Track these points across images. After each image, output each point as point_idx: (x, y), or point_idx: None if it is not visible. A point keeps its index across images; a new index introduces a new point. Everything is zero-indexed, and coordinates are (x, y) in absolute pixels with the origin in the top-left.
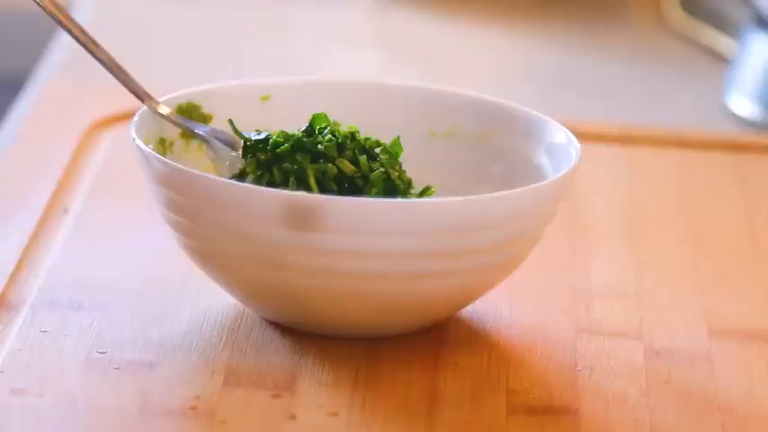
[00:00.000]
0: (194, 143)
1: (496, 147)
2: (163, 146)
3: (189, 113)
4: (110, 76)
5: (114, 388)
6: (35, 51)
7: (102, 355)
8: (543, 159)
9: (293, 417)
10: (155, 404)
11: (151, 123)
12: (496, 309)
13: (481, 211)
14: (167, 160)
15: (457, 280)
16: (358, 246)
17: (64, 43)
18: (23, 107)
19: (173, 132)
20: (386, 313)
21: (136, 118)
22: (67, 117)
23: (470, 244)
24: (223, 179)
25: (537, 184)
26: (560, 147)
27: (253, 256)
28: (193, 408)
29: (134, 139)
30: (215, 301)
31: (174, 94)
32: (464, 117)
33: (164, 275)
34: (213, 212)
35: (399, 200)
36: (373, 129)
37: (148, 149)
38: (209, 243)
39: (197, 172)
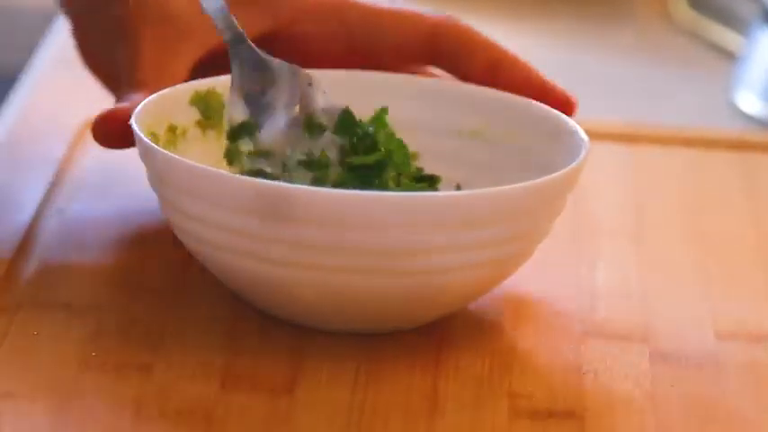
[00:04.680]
0: (211, 132)
1: (519, 146)
2: (173, 133)
3: (207, 102)
4: None
5: (109, 391)
6: (28, 47)
7: (96, 357)
8: (550, 153)
9: (292, 420)
10: (150, 408)
11: (162, 108)
12: (499, 309)
13: (470, 206)
14: (148, 141)
15: (446, 277)
16: (333, 239)
17: (58, 39)
18: (16, 103)
19: (187, 120)
20: (379, 310)
21: (142, 103)
22: (62, 113)
23: (461, 241)
24: (199, 165)
25: (542, 179)
26: (568, 140)
27: (235, 245)
28: (190, 411)
29: (132, 124)
30: (212, 302)
31: (196, 82)
32: (490, 116)
33: (160, 276)
34: (194, 199)
35: (373, 192)
36: (399, 124)
37: (137, 128)
38: (196, 231)
39: (175, 156)
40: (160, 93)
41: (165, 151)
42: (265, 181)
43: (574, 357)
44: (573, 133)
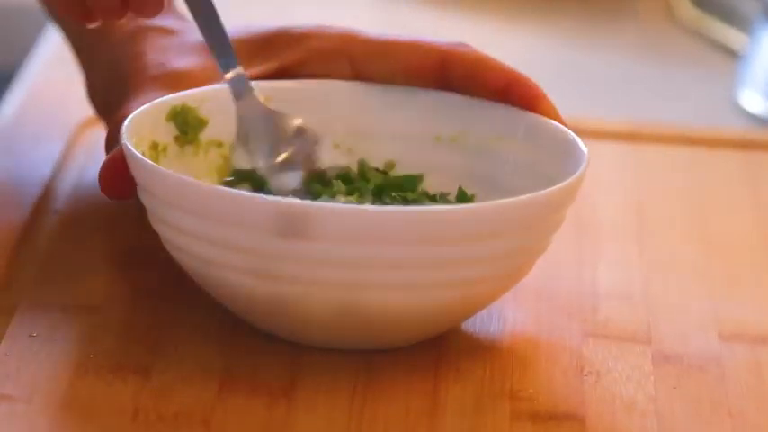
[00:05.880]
0: (189, 148)
1: (501, 153)
2: (155, 150)
3: (184, 117)
4: None
5: (106, 394)
6: (25, 46)
7: (94, 360)
8: (550, 165)
9: (291, 423)
10: (148, 410)
11: (144, 126)
12: (499, 311)
13: (481, 219)
14: (154, 164)
15: (455, 291)
16: (351, 255)
17: (55, 37)
18: (12, 103)
19: (166, 136)
20: (383, 326)
21: (127, 120)
22: (59, 113)
23: (469, 254)
24: (212, 185)
25: (541, 192)
26: (568, 152)
27: (242, 263)
28: (188, 414)
29: (124, 143)
30: (211, 304)
31: (169, 97)
32: (469, 122)
33: (158, 278)
34: (200, 220)
35: (393, 207)
36: (376, 132)
37: (131, 148)
38: (195, 250)
39: (186, 177)
40: (140, 109)
41: (174, 172)
42: (282, 199)
43: (575, 359)
44: (572, 144)
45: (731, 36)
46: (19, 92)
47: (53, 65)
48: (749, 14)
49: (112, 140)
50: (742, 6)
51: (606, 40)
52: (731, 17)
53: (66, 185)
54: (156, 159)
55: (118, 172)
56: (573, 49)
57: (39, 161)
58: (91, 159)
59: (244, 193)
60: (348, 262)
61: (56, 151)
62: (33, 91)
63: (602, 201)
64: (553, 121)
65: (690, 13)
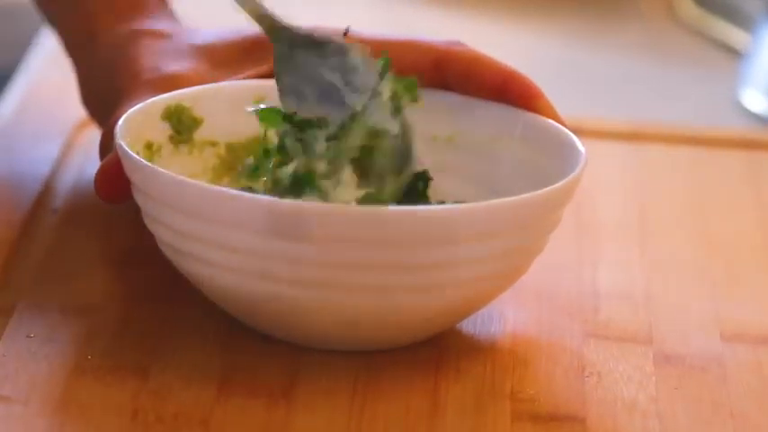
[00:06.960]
0: (184, 147)
1: (498, 152)
2: (150, 150)
3: (178, 116)
4: None
5: (104, 395)
6: (23, 45)
7: (92, 360)
8: (547, 165)
9: (290, 425)
10: (147, 412)
11: (138, 125)
12: (500, 311)
13: (477, 219)
14: (148, 163)
15: (452, 291)
16: (345, 255)
17: (52, 37)
18: (11, 102)
19: (161, 136)
20: (379, 327)
21: (121, 120)
22: (56, 112)
23: (466, 254)
24: (206, 184)
25: (538, 192)
26: (565, 151)
27: (238, 265)
28: (187, 415)
29: (118, 142)
30: (209, 305)
31: (163, 96)
32: (466, 121)
33: (156, 278)
34: (194, 220)
35: (390, 208)
36: None
37: (125, 147)
38: (189, 250)
39: (180, 177)
40: (135, 108)
41: (168, 172)
42: (275, 198)
43: (576, 360)
44: (569, 144)
45: (733, 35)
46: (18, 91)
47: (52, 64)
48: (752, 13)
49: (107, 144)
50: (745, 5)
51: (608, 40)
52: (734, 16)
53: (64, 184)
54: (150, 159)
55: (114, 176)
56: (574, 49)
57: (37, 160)
58: (89, 158)
59: (237, 192)
60: (342, 262)
61: (54, 150)
62: (32, 90)
63: (603, 201)
64: (550, 120)
65: (692, 11)
